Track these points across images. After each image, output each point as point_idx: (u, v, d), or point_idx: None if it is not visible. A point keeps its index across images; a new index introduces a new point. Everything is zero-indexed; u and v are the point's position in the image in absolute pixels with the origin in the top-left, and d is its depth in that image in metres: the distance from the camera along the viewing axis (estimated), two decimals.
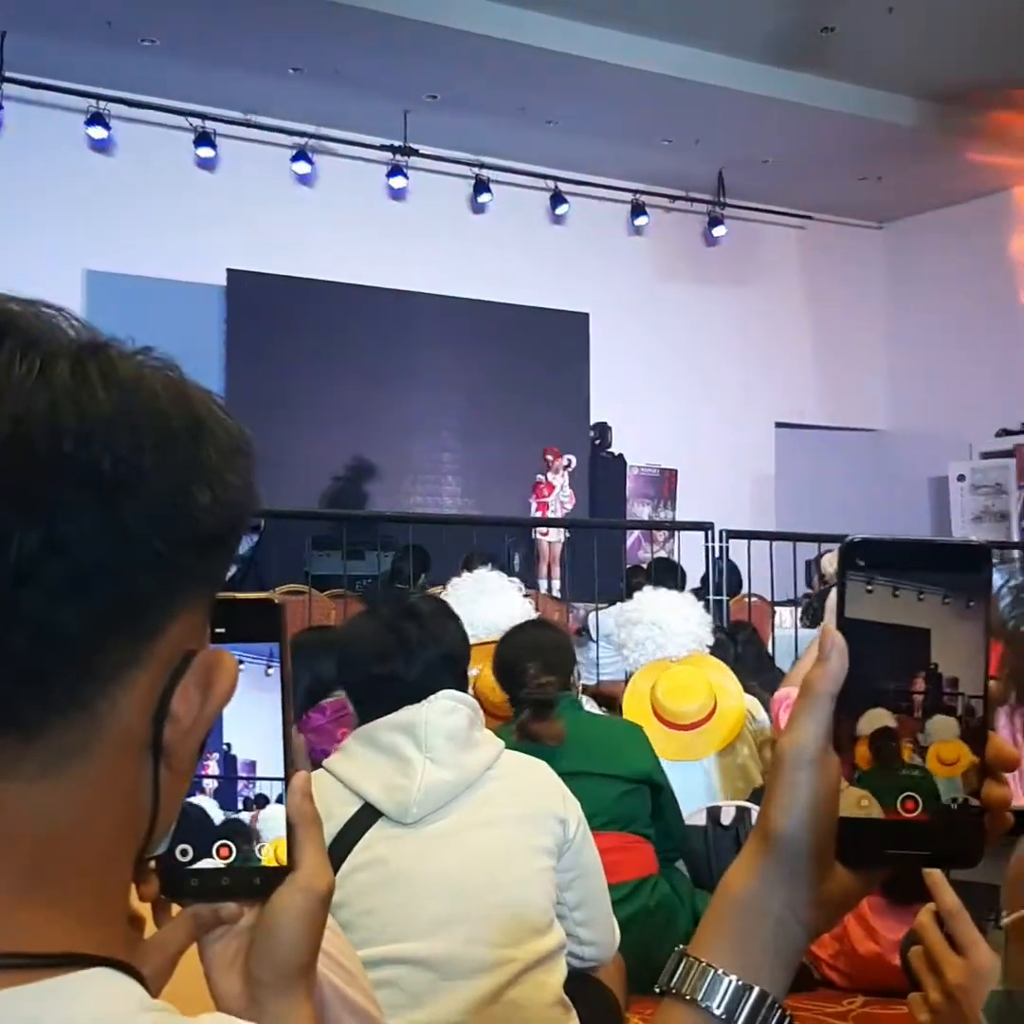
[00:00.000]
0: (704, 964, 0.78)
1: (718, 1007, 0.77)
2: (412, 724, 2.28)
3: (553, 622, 4.17)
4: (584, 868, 2.43)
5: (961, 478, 12.17)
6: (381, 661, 2.39)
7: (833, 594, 4.34)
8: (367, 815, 2.25)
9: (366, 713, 2.40)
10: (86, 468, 0.60)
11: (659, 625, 4.83)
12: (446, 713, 2.30)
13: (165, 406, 0.65)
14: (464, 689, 2.43)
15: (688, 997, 0.77)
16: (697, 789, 4.26)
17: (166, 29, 9.11)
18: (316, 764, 3.82)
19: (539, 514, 9.92)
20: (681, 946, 0.80)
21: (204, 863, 0.84)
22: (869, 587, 0.76)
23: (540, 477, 10.15)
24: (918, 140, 11.15)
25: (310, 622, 6.18)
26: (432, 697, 2.31)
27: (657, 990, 0.80)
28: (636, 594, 5.19)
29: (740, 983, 0.77)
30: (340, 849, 2.20)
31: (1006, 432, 12.15)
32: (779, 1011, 0.78)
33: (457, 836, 2.25)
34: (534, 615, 5.01)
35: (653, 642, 4.80)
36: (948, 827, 0.77)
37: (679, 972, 0.79)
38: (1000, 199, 12.31)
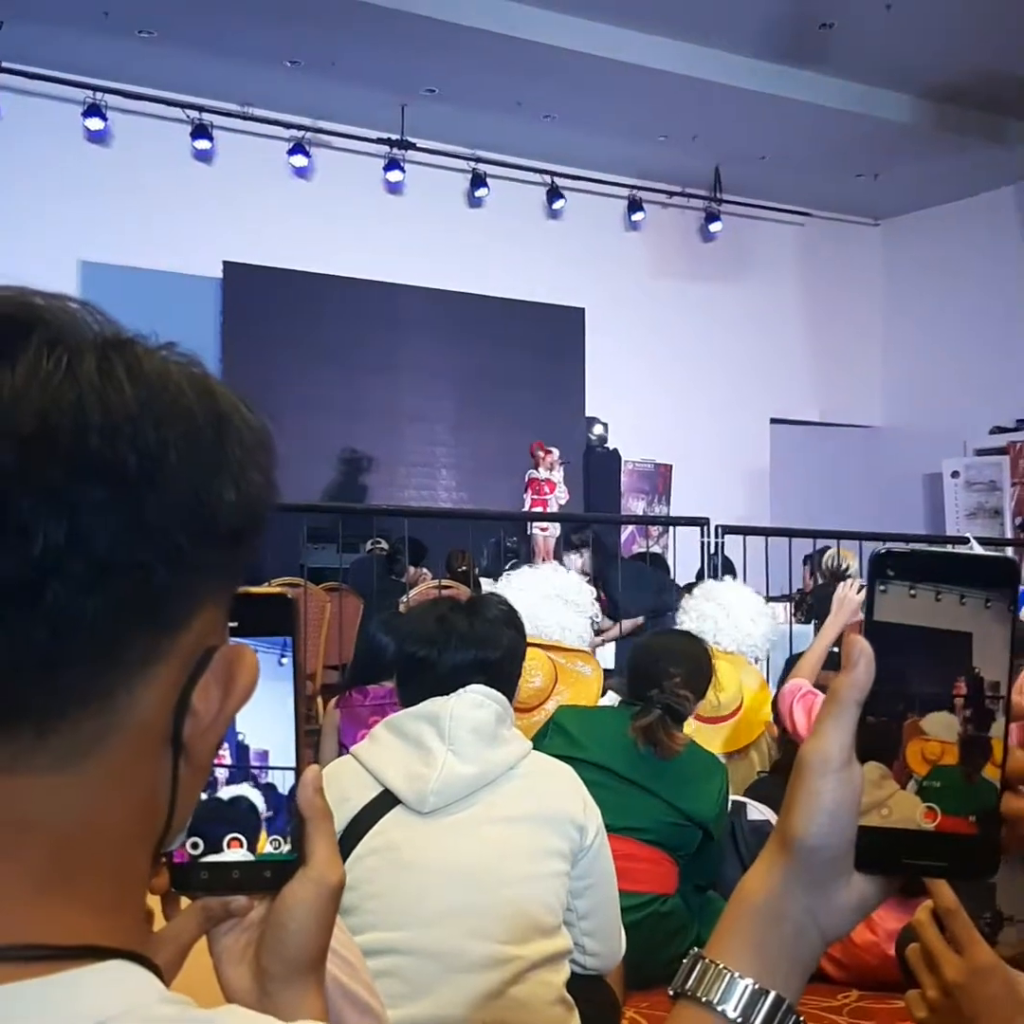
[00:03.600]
0: (720, 967, 0.78)
1: (734, 1010, 0.76)
2: (437, 715, 2.29)
3: (700, 637, 4.15)
4: (598, 877, 2.41)
5: (955, 475, 12.19)
6: (419, 644, 2.42)
7: (840, 589, 4.33)
8: (385, 801, 2.27)
9: (402, 695, 2.44)
10: (111, 464, 0.61)
11: (727, 611, 4.83)
12: (473, 707, 2.31)
13: (190, 402, 0.65)
14: (507, 693, 2.41)
15: (703, 1000, 0.77)
16: None
17: (163, 20, 9.10)
18: (342, 745, 3.85)
19: (538, 510, 9.93)
20: (696, 949, 0.80)
21: (215, 856, 0.83)
22: (913, 591, 0.76)
23: (534, 473, 10.14)
24: (915, 137, 11.18)
25: (306, 615, 6.19)
26: (461, 690, 2.32)
27: (670, 993, 0.80)
28: (727, 577, 5.19)
29: (756, 987, 0.77)
30: (355, 832, 2.22)
31: (1000, 429, 12.20)
32: (794, 1016, 0.77)
33: (472, 830, 2.26)
34: (588, 631, 5.02)
35: (713, 621, 4.80)
36: (966, 839, 0.77)
37: (694, 974, 0.78)
38: (996, 196, 12.32)
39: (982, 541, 6.84)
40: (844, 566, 7.66)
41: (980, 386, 12.22)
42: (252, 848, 0.84)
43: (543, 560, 9.45)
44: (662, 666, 3.53)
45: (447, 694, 2.32)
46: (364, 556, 8.31)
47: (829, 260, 13.40)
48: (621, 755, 3.33)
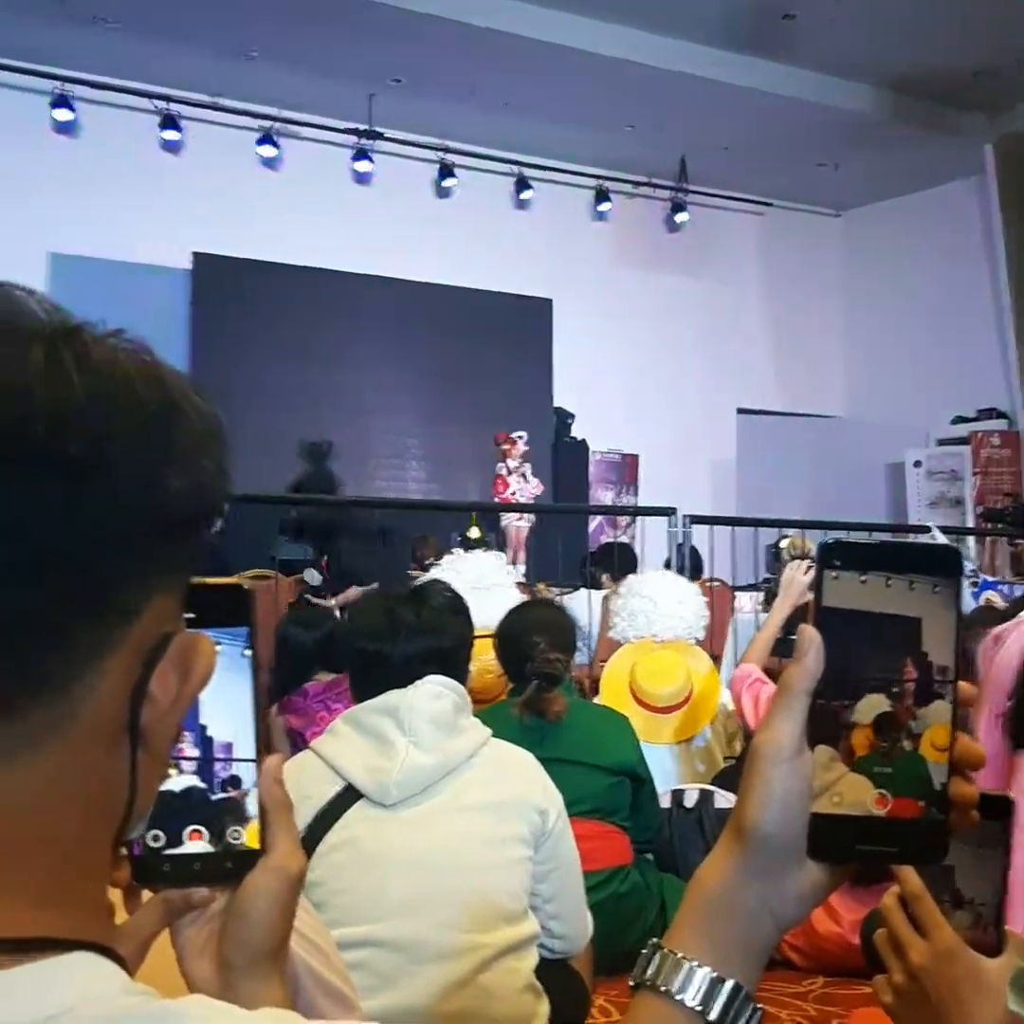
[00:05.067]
0: (679, 957, 0.78)
1: (693, 999, 0.77)
2: (396, 708, 2.29)
3: (559, 603, 4.19)
4: (561, 860, 2.42)
5: (918, 464, 12.23)
6: (370, 639, 2.41)
7: (787, 571, 4.40)
8: (348, 796, 2.26)
9: (356, 690, 2.43)
10: (58, 453, 0.60)
11: (654, 601, 4.87)
12: (431, 698, 2.31)
13: (139, 390, 0.65)
14: (460, 680, 2.41)
15: (662, 989, 0.78)
16: (664, 771, 4.32)
17: (125, 9, 9.02)
18: (295, 746, 3.86)
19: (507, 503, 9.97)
20: (655, 940, 0.81)
21: (176, 848, 0.83)
22: (863, 578, 0.78)
23: (502, 467, 10.16)
24: (876, 129, 11.22)
25: (278, 607, 6.21)
26: (419, 682, 2.32)
27: (631, 983, 0.81)
28: (648, 570, 5.22)
29: (714, 976, 0.77)
30: (319, 828, 2.22)
31: (962, 419, 12.25)
32: (752, 1004, 0.79)
33: (435, 820, 2.26)
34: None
35: (644, 616, 4.82)
36: (916, 823, 0.78)
37: (653, 965, 0.79)
38: (956, 188, 12.39)
39: (944, 530, 6.95)
40: (808, 551, 7.75)
41: (942, 376, 12.27)
42: (213, 840, 0.84)
43: (514, 551, 9.51)
44: (525, 639, 3.55)
45: (402, 686, 2.31)
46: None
47: (792, 251, 13.42)
48: (530, 738, 3.38)
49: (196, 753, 0.84)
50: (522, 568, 9.02)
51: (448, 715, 2.33)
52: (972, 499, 11.70)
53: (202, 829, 0.84)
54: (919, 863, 0.87)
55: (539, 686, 3.44)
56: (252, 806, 0.86)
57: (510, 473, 10.05)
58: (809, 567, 4.35)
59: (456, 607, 2.56)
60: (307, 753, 2.37)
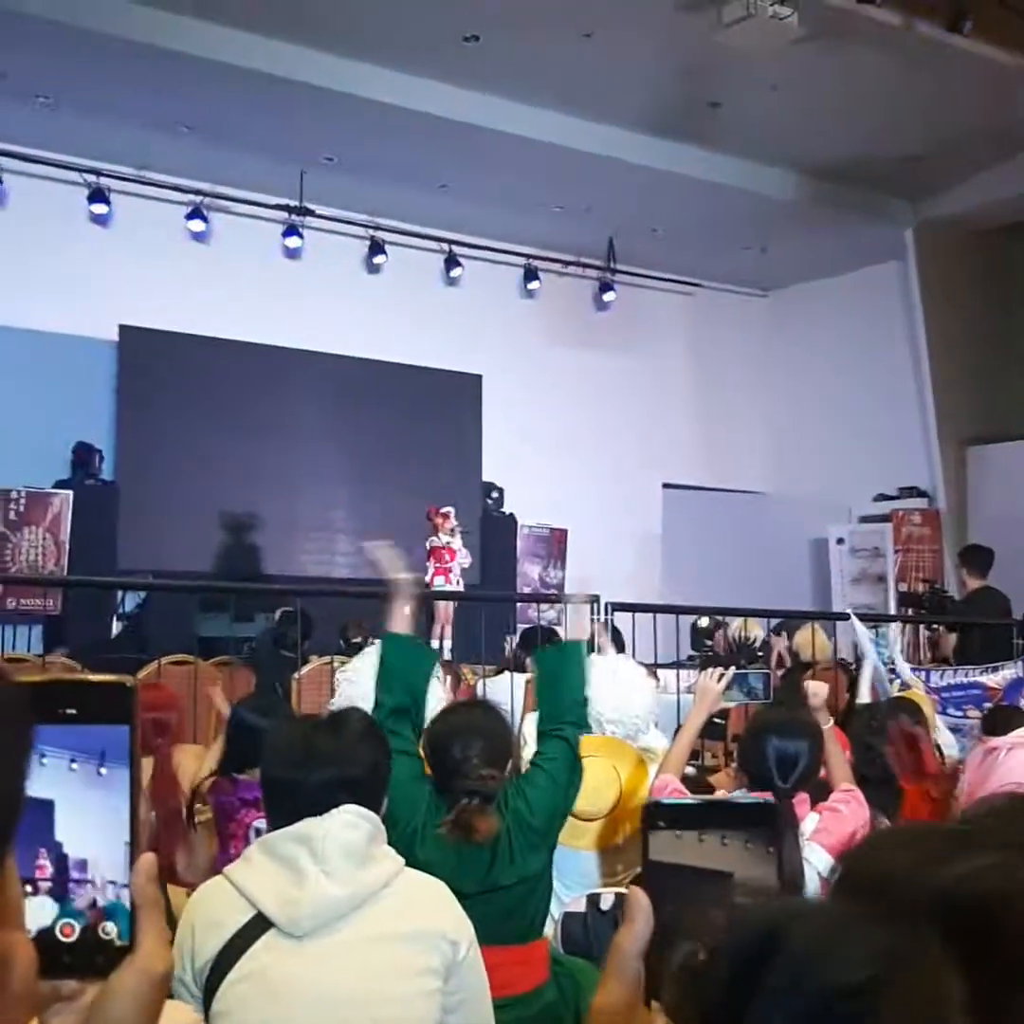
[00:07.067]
0: None
1: None
2: (310, 837, 2.26)
3: (494, 705, 3.89)
4: (471, 991, 2.39)
5: (840, 541, 12.41)
6: (285, 766, 2.40)
7: (702, 679, 4.38)
8: (258, 924, 2.23)
9: (271, 816, 2.41)
10: None
11: (602, 698, 4.67)
12: (346, 827, 2.29)
13: None
14: (374, 809, 2.39)
15: None
16: (583, 873, 4.27)
17: (60, 84, 9.05)
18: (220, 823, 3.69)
19: (440, 579, 9.98)
20: None
21: (47, 940, 0.84)
22: (680, 834, 0.83)
23: (434, 540, 10.17)
24: (799, 213, 11.48)
25: (196, 691, 6.15)
26: (334, 811, 2.29)
27: None
28: (598, 656, 5.02)
29: None
30: (228, 957, 2.19)
31: (883, 497, 12.44)
32: None
33: (345, 952, 2.23)
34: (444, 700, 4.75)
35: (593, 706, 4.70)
36: None
37: None
38: (879, 271, 12.67)
39: (863, 617, 7.00)
40: (750, 637, 7.85)
41: (865, 454, 12.47)
42: (84, 934, 0.85)
43: (442, 627, 9.52)
44: (456, 752, 3.25)
45: (316, 813, 2.29)
46: (271, 627, 8.06)
47: (718, 330, 13.64)
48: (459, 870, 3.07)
49: (57, 870, 0.84)
50: (448, 644, 9.02)
51: (361, 846, 2.30)
52: (894, 576, 11.86)
53: (73, 923, 0.85)
54: None
55: (468, 805, 3.14)
56: (124, 904, 0.86)
57: (448, 543, 10.11)
58: (722, 675, 4.38)
59: (374, 733, 2.56)
60: (220, 879, 2.34)
